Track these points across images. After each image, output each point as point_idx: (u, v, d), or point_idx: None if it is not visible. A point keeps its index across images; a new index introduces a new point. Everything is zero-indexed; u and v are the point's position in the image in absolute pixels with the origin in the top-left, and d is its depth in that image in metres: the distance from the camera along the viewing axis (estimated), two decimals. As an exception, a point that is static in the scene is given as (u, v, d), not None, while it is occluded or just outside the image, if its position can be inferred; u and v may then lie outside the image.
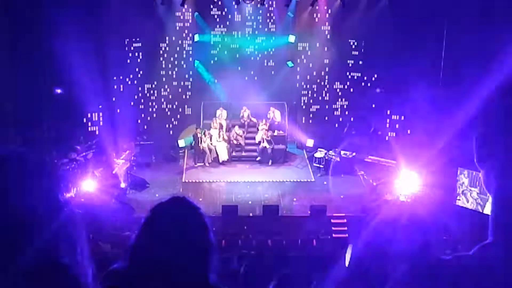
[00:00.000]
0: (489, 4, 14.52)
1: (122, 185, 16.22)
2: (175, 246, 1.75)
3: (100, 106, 19.19)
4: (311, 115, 20.45)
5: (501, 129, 1.26)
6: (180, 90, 20.03)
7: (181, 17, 19.54)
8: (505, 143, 1.25)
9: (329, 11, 19.53)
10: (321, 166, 17.98)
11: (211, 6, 19.59)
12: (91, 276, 1.31)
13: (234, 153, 18.83)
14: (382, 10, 18.49)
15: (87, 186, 15.98)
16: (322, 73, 20.11)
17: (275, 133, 19.17)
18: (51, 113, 16.31)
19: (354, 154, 18.09)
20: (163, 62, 19.80)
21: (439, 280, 1.71)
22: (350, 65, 19.96)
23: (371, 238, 1.88)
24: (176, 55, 19.84)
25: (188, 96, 20.15)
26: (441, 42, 15.28)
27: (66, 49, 16.29)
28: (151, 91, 19.92)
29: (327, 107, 20.22)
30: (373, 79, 19.70)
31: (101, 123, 19.16)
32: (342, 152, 18.08)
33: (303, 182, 17.43)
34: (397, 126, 18.98)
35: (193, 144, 18.65)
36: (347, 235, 14.09)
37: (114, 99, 19.61)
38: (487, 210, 14.09)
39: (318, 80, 20.14)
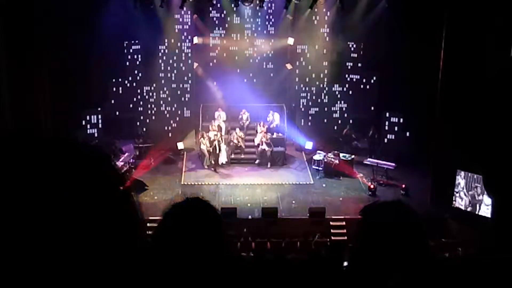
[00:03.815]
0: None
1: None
2: (194, 246, 1.77)
3: (99, 109, 19.20)
4: (310, 118, 20.41)
5: (505, 131, 1.26)
6: (179, 92, 19.99)
7: (180, 20, 19.53)
8: (509, 146, 1.24)
9: (328, 14, 19.55)
10: (320, 168, 17.96)
11: (210, 9, 19.60)
12: None
13: (233, 156, 18.79)
14: (381, 12, 18.52)
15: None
16: (321, 75, 20.08)
17: (274, 136, 19.15)
18: (51, 114, 16.28)
19: (353, 156, 18.08)
20: (162, 64, 19.78)
21: (439, 282, 1.70)
22: (349, 67, 19.98)
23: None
24: (175, 57, 19.82)
25: (187, 99, 20.12)
26: (440, 43, 15.28)
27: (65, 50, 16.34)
28: (150, 93, 19.89)
29: (326, 109, 20.20)
30: (372, 81, 19.72)
31: (100, 126, 19.17)
32: (341, 154, 18.06)
33: (302, 184, 17.40)
34: (396, 128, 18.97)
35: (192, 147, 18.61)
36: (346, 237, 14.08)
37: (113, 101, 19.64)
38: (482, 211, 14.14)
39: (317, 83, 20.10)
